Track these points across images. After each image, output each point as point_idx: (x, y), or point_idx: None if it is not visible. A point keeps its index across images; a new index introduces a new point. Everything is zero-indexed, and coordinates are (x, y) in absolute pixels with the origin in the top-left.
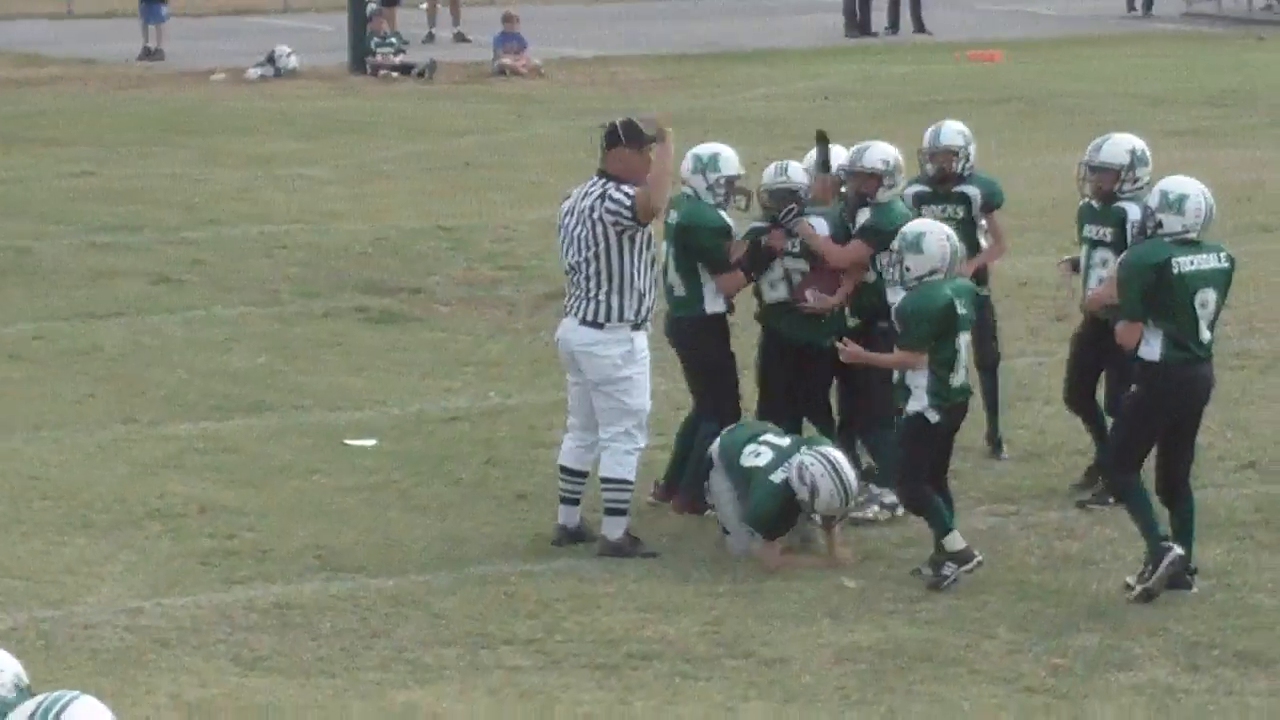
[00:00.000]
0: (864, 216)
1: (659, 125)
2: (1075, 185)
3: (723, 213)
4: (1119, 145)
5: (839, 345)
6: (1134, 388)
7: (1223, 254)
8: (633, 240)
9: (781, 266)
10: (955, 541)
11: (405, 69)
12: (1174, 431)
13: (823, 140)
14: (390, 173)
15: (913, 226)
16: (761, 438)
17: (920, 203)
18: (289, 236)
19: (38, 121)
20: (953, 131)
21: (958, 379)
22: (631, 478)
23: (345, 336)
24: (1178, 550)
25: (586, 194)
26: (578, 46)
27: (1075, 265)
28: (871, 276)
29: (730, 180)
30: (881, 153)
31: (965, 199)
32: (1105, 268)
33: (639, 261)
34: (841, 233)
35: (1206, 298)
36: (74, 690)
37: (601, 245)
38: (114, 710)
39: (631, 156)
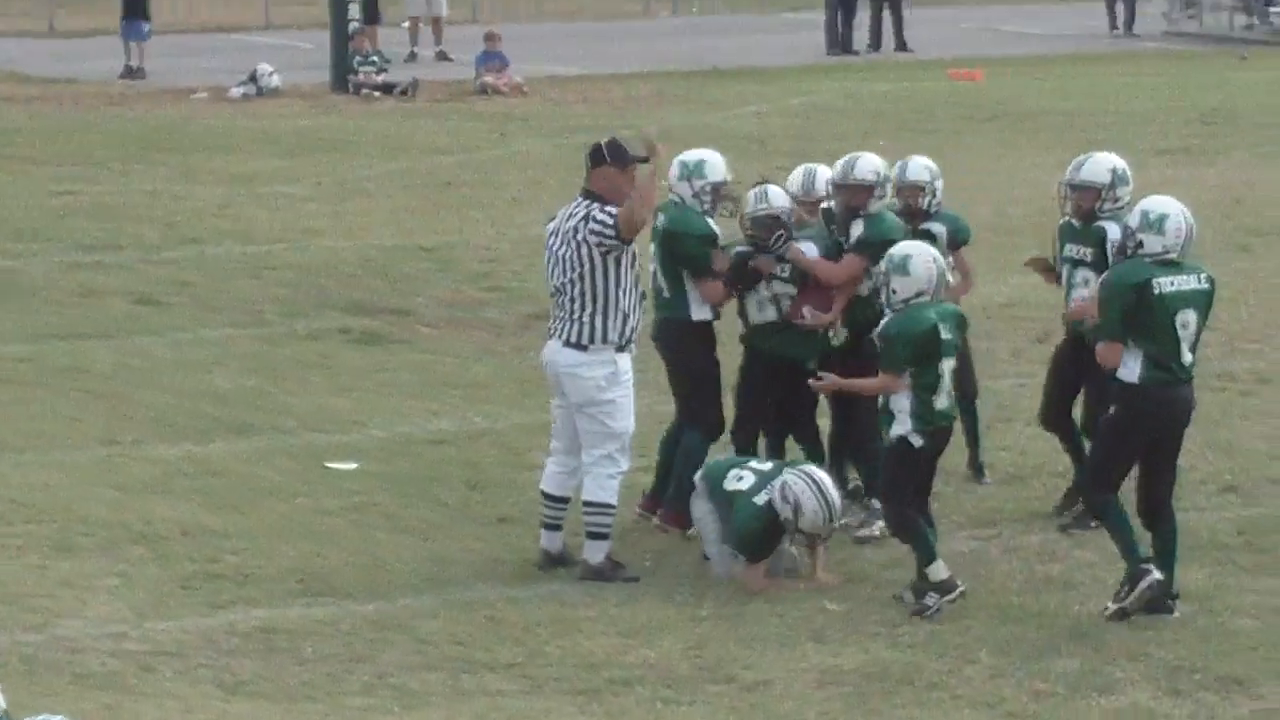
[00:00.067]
0: (857, 229)
1: (650, 142)
2: (1056, 204)
3: (710, 220)
4: (1100, 164)
5: (810, 382)
6: (1112, 409)
7: (1203, 275)
8: (618, 261)
9: (769, 290)
10: (939, 571)
11: (387, 87)
12: (1154, 453)
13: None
14: (371, 191)
15: (899, 249)
16: (745, 465)
17: None
18: (273, 256)
19: (18, 139)
20: (920, 166)
21: (941, 402)
22: (614, 502)
23: (330, 358)
24: (1156, 575)
25: (571, 215)
26: (561, 65)
27: (1046, 266)
28: (865, 289)
29: (716, 187)
30: (871, 164)
31: (930, 236)
32: (1087, 287)
33: (624, 282)
34: (831, 250)
35: (1187, 318)
36: (58, 715)
37: (586, 266)
38: None
39: (616, 176)
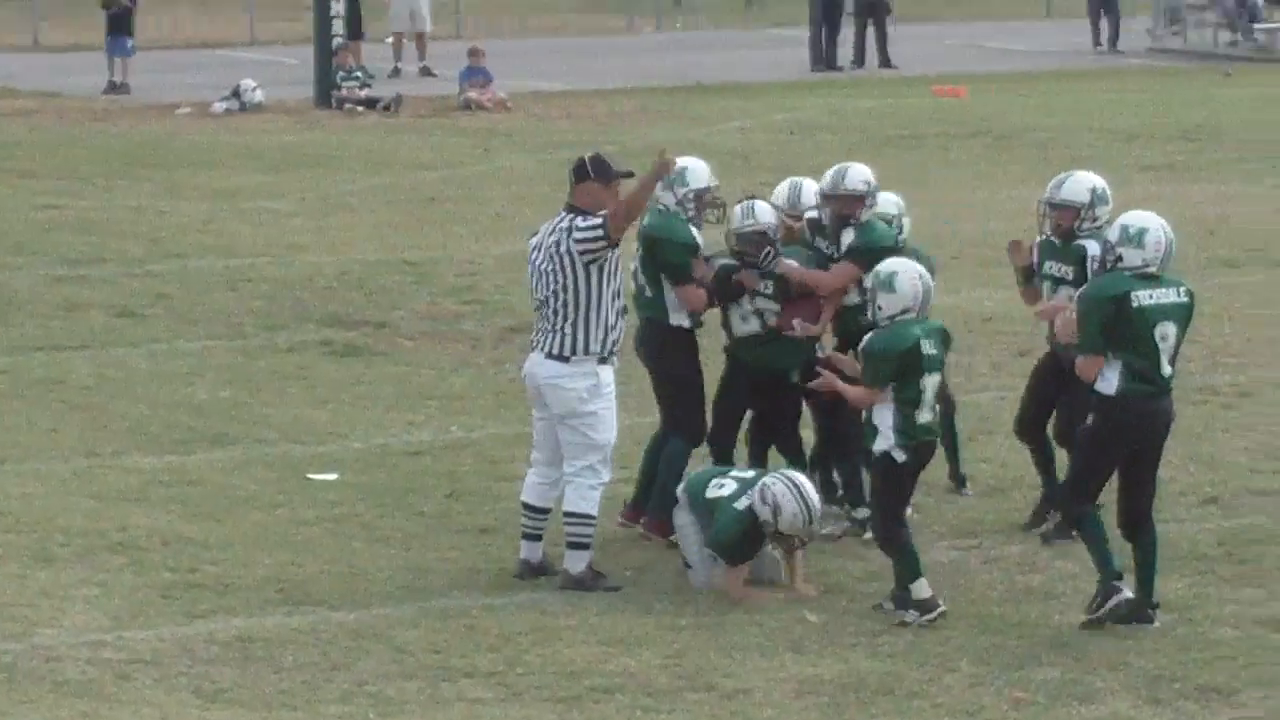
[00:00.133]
0: (849, 237)
1: (665, 158)
2: (1035, 222)
3: (692, 229)
4: (1080, 183)
5: (813, 382)
6: (1090, 419)
7: (1183, 289)
8: (600, 271)
9: (752, 304)
10: (922, 590)
11: (371, 103)
12: (1133, 464)
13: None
14: (354, 206)
15: (886, 265)
16: (726, 474)
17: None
18: (253, 270)
19: (17, 152)
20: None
21: (923, 417)
22: (594, 512)
23: (309, 370)
24: (1126, 595)
25: (554, 229)
26: (545, 80)
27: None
28: (854, 299)
29: (700, 194)
30: (861, 174)
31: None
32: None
33: (605, 294)
34: (814, 266)
35: (1166, 331)
36: None
37: (569, 279)
38: None
39: (599, 191)
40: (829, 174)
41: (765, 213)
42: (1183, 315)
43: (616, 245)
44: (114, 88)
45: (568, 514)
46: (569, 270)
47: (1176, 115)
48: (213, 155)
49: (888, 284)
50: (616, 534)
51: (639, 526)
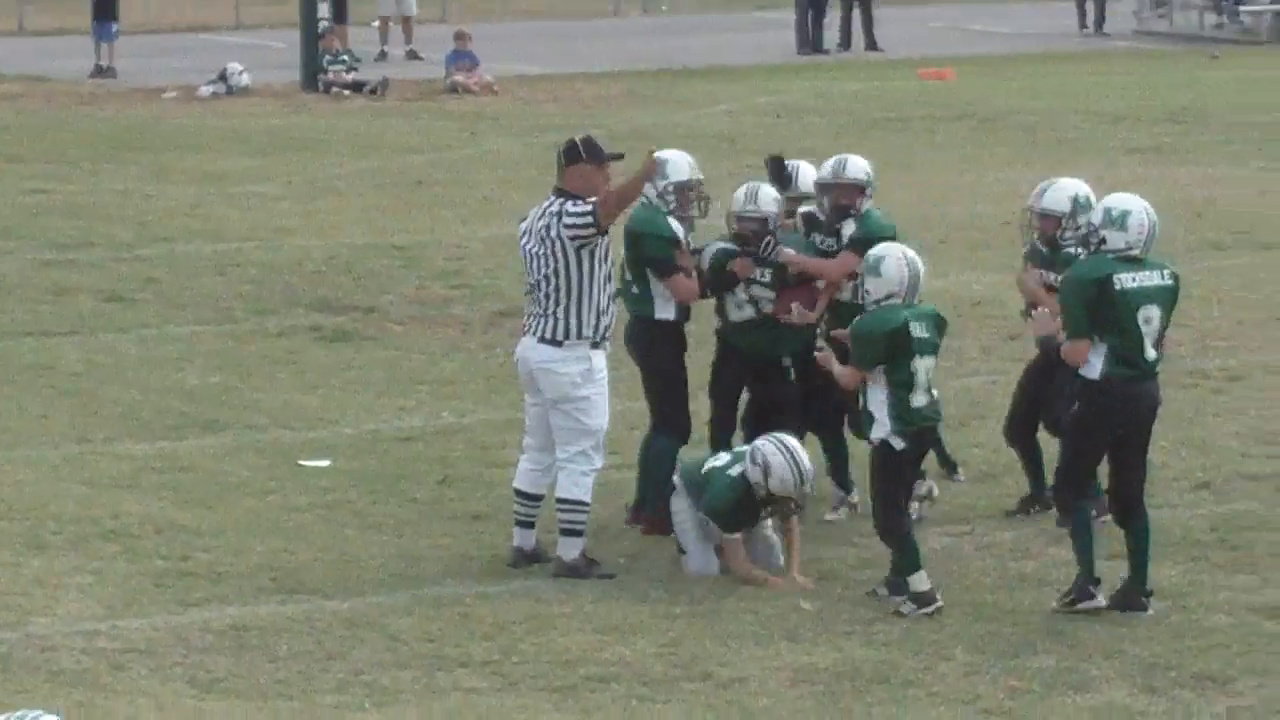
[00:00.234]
0: (850, 228)
1: (652, 158)
2: (1020, 228)
3: (672, 221)
4: (1062, 191)
5: (816, 352)
6: (1075, 405)
7: (1166, 271)
8: (591, 255)
9: (747, 292)
10: (920, 582)
11: (357, 86)
12: (1121, 449)
13: (777, 161)
14: (342, 190)
15: (876, 250)
16: (721, 453)
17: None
18: (241, 254)
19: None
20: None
21: (919, 400)
22: (587, 499)
23: (299, 355)
24: (1100, 602)
25: (543, 213)
26: (531, 64)
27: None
28: (846, 295)
29: (681, 186)
30: (862, 164)
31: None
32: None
33: (597, 278)
34: (810, 255)
35: (1150, 314)
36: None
37: (560, 262)
38: None
39: (592, 173)
40: (829, 164)
41: (768, 200)
42: (1167, 298)
43: (605, 232)
44: (100, 71)
45: (560, 500)
46: (559, 255)
47: (1163, 98)
48: (199, 139)
49: (874, 268)
50: (610, 521)
51: (640, 530)
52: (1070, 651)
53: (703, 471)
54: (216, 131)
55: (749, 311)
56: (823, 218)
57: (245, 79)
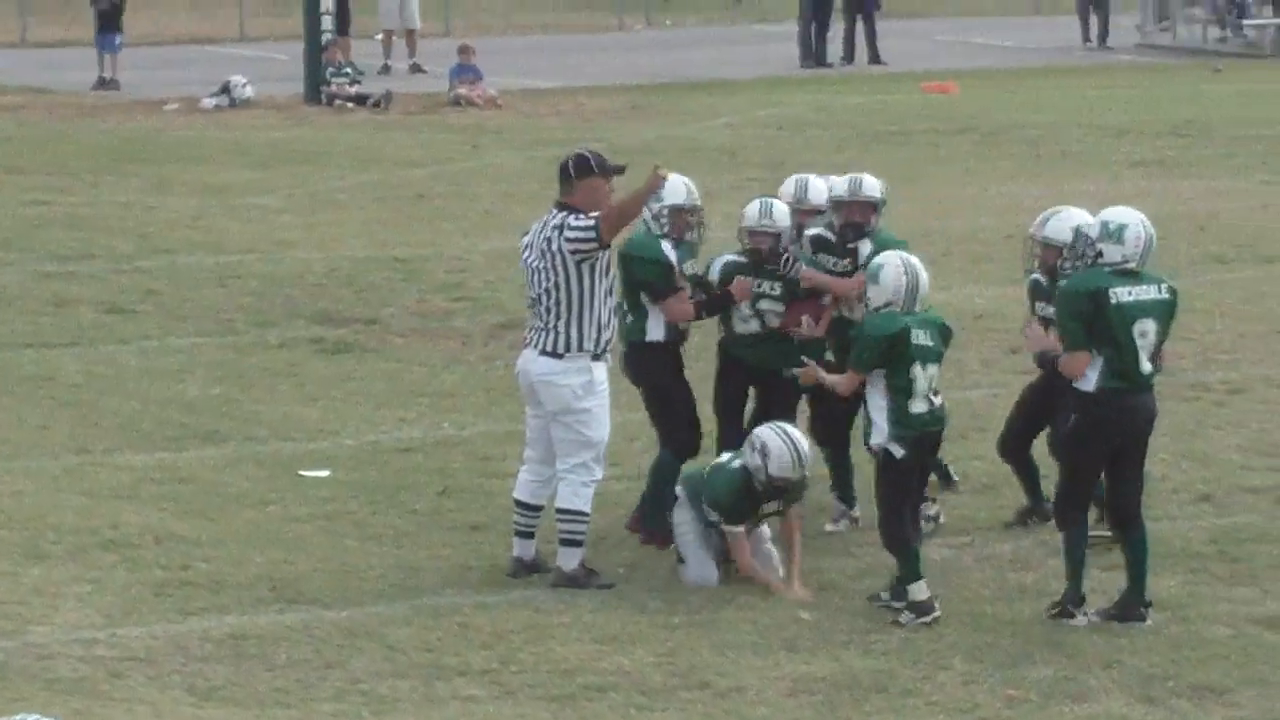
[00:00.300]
0: (866, 248)
1: (660, 173)
2: (1021, 256)
3: (665, 244)
4: (1064, 222)
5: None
6: (1071, 419)
7: (1164, 285)
8: (592, 269)
9: (754, 307)
10: (920, 591)
11: (360, 99)
12: (1118, 461)
13: None
14: (344, 202)
15: (877, 259)
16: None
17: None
18: (243, 266)
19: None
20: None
21: (918, 406)
22: (587, 509)
23: (299, 367)
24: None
25: (544, 226)
26: (534, 78)
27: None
28: (860, 312)
29: (677, 210)
30: (875, 182)
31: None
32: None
33: (598, 292)
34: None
35: (1146, 328)
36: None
37: (561, 276)
38: None
39: (603, 185)
40: (843, 182)
41: (782, 214)
42: (1164, 312)
43: (607, 247)
44: (103, 83)
45: (560, 511)
46: (561, 268)
47: (1166, 111)
48: (201, 151)
49: (874, 276)
50: (609, 531)
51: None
52: (1068, 662)
53: (702, 472)
54: (218, 144)
55: (754, 325)
56: (832, 238)
57: (248, 91)
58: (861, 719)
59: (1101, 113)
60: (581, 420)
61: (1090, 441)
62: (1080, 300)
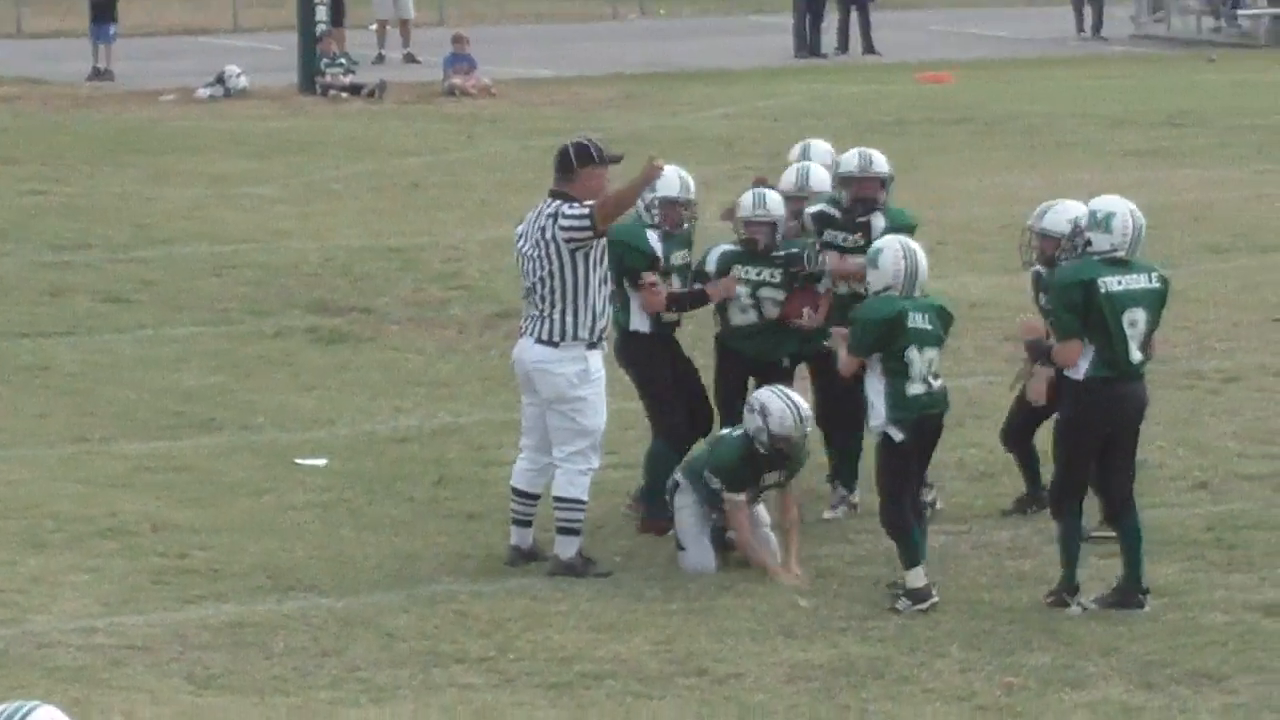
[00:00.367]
0: (880, 222)
1: (656, 162)
2: (1019, 248)
3: (651, 234)
4: (1061, 214)
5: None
6: (1062, 409)
7: (1154, 274)
8: (586, 258)
9: (753, 296)
10: (917, 578)
11: (355, 89)
12: (1109, 450)
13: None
14: (339, 192)
15: (877, 243)
16: None
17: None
18: (239, 256)
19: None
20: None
21: (915, 389)
22: (584, 497)
23: (295, 356)
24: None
25: (539, 215)
26: (528, 67)
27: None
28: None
29: (669, 202)
30: (883, 158)
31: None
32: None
33: (593, 280)
34: (814, 263)
35: (1135, 317)
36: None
37: (555, 265)
38: None
39: (603, 174)
40: (854, 158)
41: (776, 203)
42: (1154, 301)
43: (602, 235)
44: (98, 74)
45: (557, 499)
46: (555, 257)
47: (1161, 101)
48: (197, 141)
49: (873, 260)
50: (606, 519)
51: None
52: (1066, 649)
53: (704, 449)
54: (214, 134)
55: (752, 316)
56: (837, 214)
57: (243, 82)
58: (859, 705)
59: (1096, 103)
60: (577, 408)
61: (1082, 431)
62: (1072, 290)
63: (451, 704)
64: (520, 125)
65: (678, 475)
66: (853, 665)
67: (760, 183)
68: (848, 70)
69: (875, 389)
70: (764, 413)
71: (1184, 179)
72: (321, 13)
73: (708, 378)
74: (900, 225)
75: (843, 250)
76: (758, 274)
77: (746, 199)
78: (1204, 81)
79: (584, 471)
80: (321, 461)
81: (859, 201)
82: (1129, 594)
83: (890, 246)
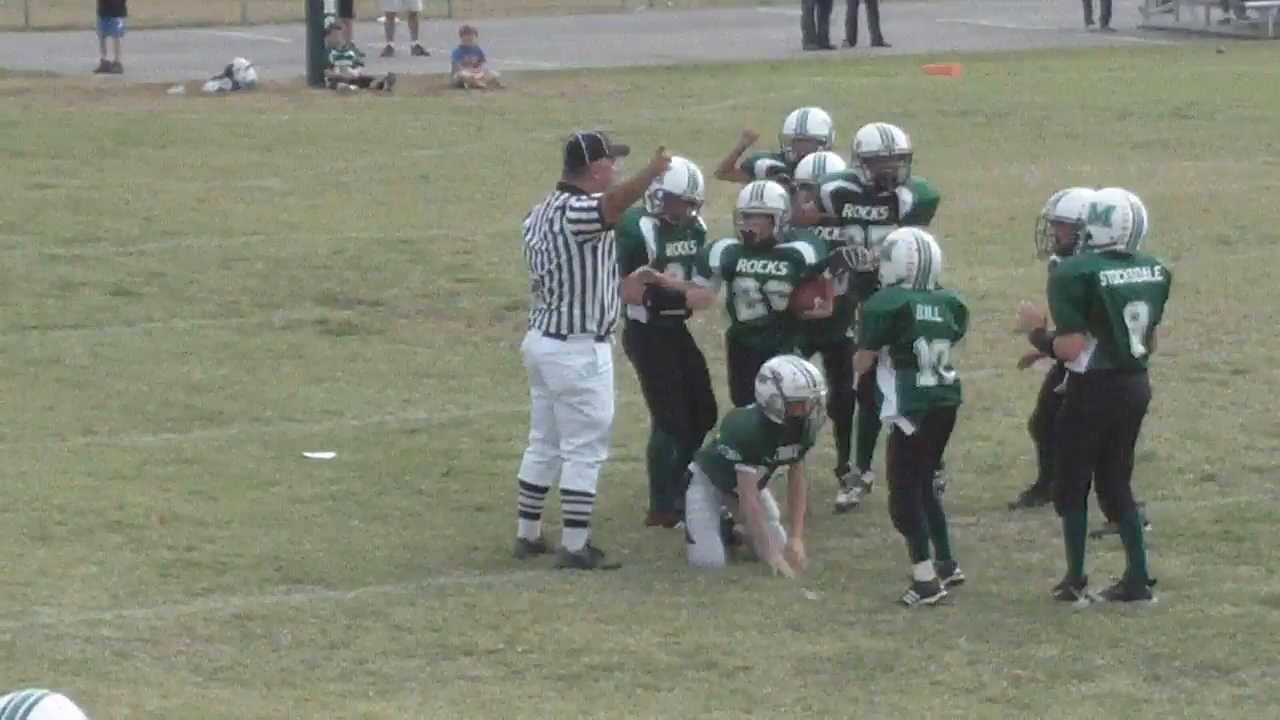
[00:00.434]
0: (907, 196)
1: (664, 154)
2: (1035, 237)
3: (645, 222)
4: (1075, 199)
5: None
6: (1065, 402)
7: (1156, 267)
8: (595, 250)
9: (761, 289)
10: (925, 572)
11: (363, 82)
12: (1109, 443)
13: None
14: (348, 184)
15: (891, 235)
16: None
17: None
18: (247, 248)
19: (11, 132)
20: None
21: (925, 380)
22: (592, 490)
23: (304, 348)
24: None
25: (547, 207)
26: (537, 59)
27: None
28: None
29: (672, 197)
30: (904, 135)
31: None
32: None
33: (601, 273)
34: (823, 251)
35: (1137, 310)
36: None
37: (564, 257)
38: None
39: (611, 166)
40: (875, 135)
41: (774, 196)
42: (1156, 294)
43: (610, 228)
44: (106, 67)
45: (565, 492)
46: (564, 249)
47: (1168, 93)
48: (206, 134)
49: (887, 253)
50: (614, 512)
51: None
52: (1074, 641)
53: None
54: (222, 126)
55: (760, 309)
56: (857, 189)
57: (251, 74)
58: (867, 698)
59: (1104, 94)
60: (585, 401)
61: (1084, 424)
62: (1072, 284)
63: (460, 696)
64: (529, 117)
65: (692, 466)
66: (861, 658)
67: (747, 136)
68: (856, 62)
69: (885, 380)
70: (776, 379)
71: (1192, 171)
72: (330, 5)
73: (718, 371)
74: (926, 198)
75: (867, 225)
76: (763, 267)
77: (744, 192)
78: (1212, 73)
79: (592, 464)
80: (330, 454)
81: (884, 178)
82: (1136, 586)
83: (904, 239)
